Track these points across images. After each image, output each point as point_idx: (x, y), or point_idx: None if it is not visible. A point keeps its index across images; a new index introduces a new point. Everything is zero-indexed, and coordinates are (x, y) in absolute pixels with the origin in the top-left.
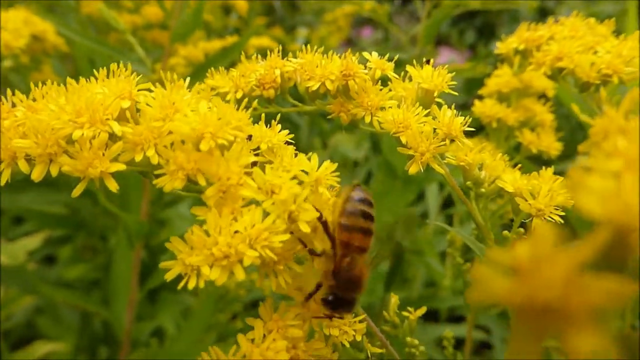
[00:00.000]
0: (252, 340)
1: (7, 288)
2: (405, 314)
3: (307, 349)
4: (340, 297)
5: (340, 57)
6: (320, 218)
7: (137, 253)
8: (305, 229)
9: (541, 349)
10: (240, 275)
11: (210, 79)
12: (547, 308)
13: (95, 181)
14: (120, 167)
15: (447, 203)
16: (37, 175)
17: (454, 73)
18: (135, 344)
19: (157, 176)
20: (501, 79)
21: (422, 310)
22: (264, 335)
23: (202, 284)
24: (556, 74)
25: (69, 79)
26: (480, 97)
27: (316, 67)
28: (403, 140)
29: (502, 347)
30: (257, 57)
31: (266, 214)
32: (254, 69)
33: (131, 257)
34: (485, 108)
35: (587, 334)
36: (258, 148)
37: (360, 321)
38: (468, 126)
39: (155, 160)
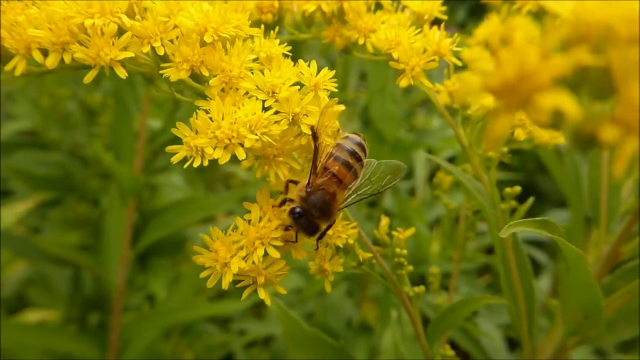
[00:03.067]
0: (249, 222)
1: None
2: (394, 233)
3: (301, 237)
4: (306, 214)
5: None
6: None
7: (130, 212)
8: (307, 130)
9: (512, 121)
10: (241, 155)
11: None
12: (519, 83)
13: (105, 69)
14: (128, 54)
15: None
16: (51, 62)
17: None
18: (127, 310)
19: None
20: (489, 28)
21: (412, 230)
22: (260, 218)
23: (205, 163)
24: (541, 11)
25: None
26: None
27: None
28: (395, 55)
29: (487, 314)
30: None
31: (267, 109)
32: None
33: (124, 215)
34: (472, 54)
35: (552, 95)
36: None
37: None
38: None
39: (161, 51)
